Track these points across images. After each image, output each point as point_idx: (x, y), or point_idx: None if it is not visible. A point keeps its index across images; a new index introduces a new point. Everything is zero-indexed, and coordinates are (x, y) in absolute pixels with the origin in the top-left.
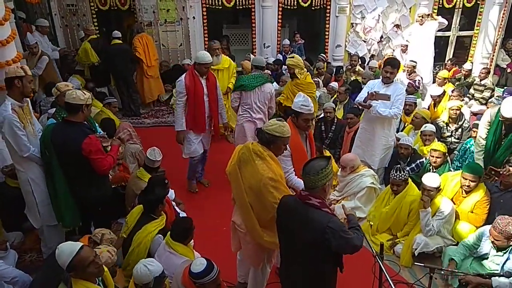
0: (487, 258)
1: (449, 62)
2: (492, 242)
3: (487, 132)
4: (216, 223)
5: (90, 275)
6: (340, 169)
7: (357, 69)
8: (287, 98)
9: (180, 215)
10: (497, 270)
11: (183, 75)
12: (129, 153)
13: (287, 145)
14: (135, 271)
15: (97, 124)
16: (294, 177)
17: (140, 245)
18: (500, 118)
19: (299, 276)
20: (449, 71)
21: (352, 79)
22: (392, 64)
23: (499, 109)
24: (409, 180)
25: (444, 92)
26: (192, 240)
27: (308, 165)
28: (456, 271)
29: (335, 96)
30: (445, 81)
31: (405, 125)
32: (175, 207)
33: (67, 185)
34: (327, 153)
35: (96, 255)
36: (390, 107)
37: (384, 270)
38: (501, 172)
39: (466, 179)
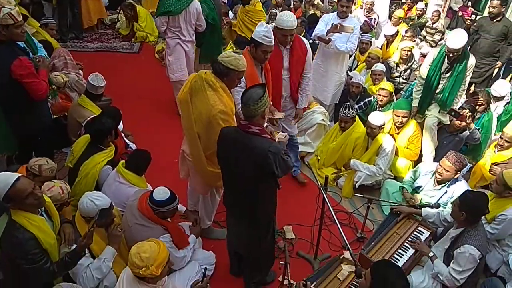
0: (421, 192)
1: (409, 0)
2: (439, 174)
3: (428, 70)
4: (166, 155)
5: (29, 206)
6: None
7: (315, 3)
8: (236, 26)
9: (130, 147)
10: (431, 202)
11: None
12: None
13: (243, 77)
14: (80, 205)
15: (41, 45)
16: None
17: (88, 175)
18: (445, 50)
19: (244, 201)
20: (410, 9)
21: (310, 13)
22: None
23: (442, 46)
24: (357, 117)
25: (398, 32)
26: None
27: (246, 95)
28: (391, 201)
29: None
30: (400, 21)
31: (358, 64)
32: (124, 139)
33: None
34: None
35: (35, 186)
36: (346, 42)
37: (327, 200)
38: (460, 113)
39: (398, 115)
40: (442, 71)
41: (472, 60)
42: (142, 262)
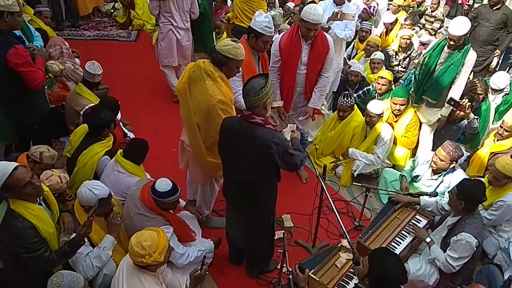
0: (418, 181)
1: None
2: (434, 163)
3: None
4: (164, 143)
5: (27, 195)
6: None
7: None
8: (235, 16)
9: (128, 136)
10: (428, 192)
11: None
12: None
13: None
14: (79, 194)
15: (38, 34)
16: (242, 98)
17: (86, 166)
18: (447, 37)
19: (247, 191)
20: None
21: (309, 0)
22: None
23: (445, 36)
24: (355, 106)
25: (397, 19)
26: None
27: (247, 85)
28: (389, 190)
29: (290, 18)
30: (399, 9)
31: (357, 52)
32: (122, 128)
33: None
34: None
35: (33, 175)
36: (344, 29)
37: (325, 189)
38: (460, 103)
39: (396, 103)
40: (440, 61)
41: (472, 55)
42: (144, 250)
